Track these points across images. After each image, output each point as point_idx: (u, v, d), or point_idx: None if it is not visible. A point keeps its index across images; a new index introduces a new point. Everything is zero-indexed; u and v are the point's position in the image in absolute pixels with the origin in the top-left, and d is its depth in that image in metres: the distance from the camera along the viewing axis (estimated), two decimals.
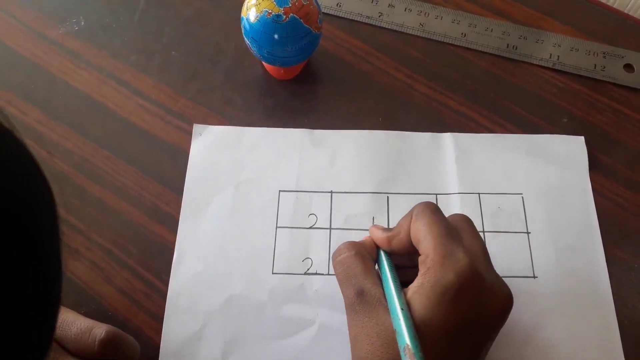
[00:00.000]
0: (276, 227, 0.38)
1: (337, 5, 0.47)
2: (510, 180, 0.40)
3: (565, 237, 0.38)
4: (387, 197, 0.39)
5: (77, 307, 0.35)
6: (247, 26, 0.39)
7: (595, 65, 0.45)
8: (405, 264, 0.32)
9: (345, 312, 0.35)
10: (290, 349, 0.35)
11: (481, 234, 0.38)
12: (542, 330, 0.35)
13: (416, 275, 0.29)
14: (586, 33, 0.47)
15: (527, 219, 0.38)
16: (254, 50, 0.40)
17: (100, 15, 0.47)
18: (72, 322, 0.31)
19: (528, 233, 0.38)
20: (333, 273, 0.37)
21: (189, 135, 0.42)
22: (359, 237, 0.37)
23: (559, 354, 0.34)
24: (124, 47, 0.46)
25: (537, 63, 0.45)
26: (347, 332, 0.35)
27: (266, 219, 0.39)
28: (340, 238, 0.38)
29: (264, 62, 0.43)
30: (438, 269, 0.27)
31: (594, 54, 0.45)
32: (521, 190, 0.40)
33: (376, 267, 0.32)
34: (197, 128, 0.42)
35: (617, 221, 0.39)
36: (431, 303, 0.27)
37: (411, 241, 0.30)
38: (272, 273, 0.37)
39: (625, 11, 0.50)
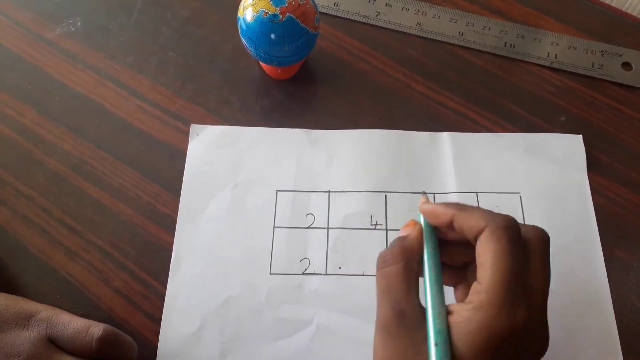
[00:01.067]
0: (274, 227, 0.38)
1: (334, 4, 0.47)
2: (508, 180, 0.40)
3: (563, 236, 0.38)
4: (385, 195, 0.39)
5: (74, 309, 0.35)
6: (244, 26, 0.39)
7: (593, 63, 0.44)
8: (451, 262, 0.29)
9: (343, 312, 0.35)
10: (288, 349, 0.35)
11: None
12: None
13: (459, 261, 0.28)
14: (584, 31, 0.46)
15: (525, 218, 0.38)
16: (250, 50, 0.40)
17: (97, 16, 0.47)
18: (68, 323, 0.31)
19: None
20: (331, 272, 0.37)
21: (186, 135, 0.41)
22: (356, 236, 0.38)
23: (557, 354, 0.34)
24: (121, 48, 0.46)
25: (535, 62, 0.45)
26: (345, 332, 0.35)
27: (264, 219, 0.39)
28: (338, 238, 0.38)
29: (261, 62, 0.43)
30: (492, 313, 0.25)
31: (591, 53, 0.45)
32: (519, 190, 0.40)
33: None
34: (194, 128, 0.42)
35: (615, 220, 0.39)
36: (473, 344, 0.24)
37: (472, 236, 0.27)
38: (270, 273, 0.37)
39: (624, 9, 0.50)
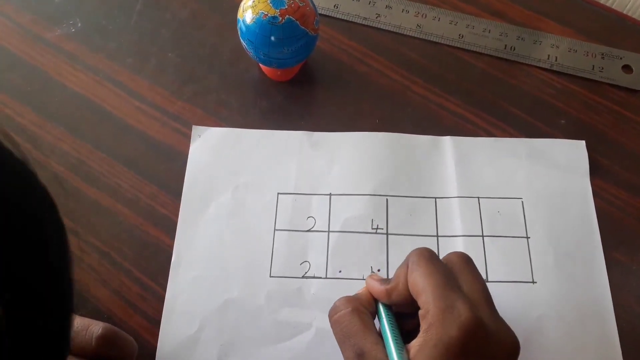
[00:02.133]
0: (274, 230, 0.38)
1: (334, 6, 0.47)
2: (510, 185, 0.40)
3: (565, 242, 0.38)
4: (387, 199, 0.39)
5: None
6: (243, 28, 0.39)
7: (593, 66, 0.44)
8: (407, 311, 0.30)
9: None
10: (287, 352, 0.35)
11: (480, 239, 0.38)
12: (540, 335, 0.35)
13: (419, 324, 0.28)
14: (584, 34, 0.46)
15: (527, 224, 0.38)
16: (250, 52, 0.40)
17: (96, 17, 0.47)
18: None
19: (527, 238, 0.38)
20: (331, 276, 0.37)
21: (184, 137, 0.41)
22: (357, 240, 0.38)
23: (558, 358, 0.34)
24: (120, 49, 0.45)
25: (535, 64, 0.45)
26: None
27: (264, 221, 0.39)
28: (338, 241, 0.38)
29: (260, 64, 0.43)
30: (439, 325, 0.26)
31: (592, 55, 0.45)
32: (521, 195, 0.39)
33: (376, 320, 0.30)
34: (196, 130, 0.42)
35: (615, 223, 0.39)
36: None
37: (410, 292, 0.28)
38: (270, 276, 0.37)
39: (624, 12, 0.50)
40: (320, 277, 0.37)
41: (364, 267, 0.37)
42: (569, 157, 0.41)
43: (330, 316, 0.30)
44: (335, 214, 0.39)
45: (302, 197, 0.39)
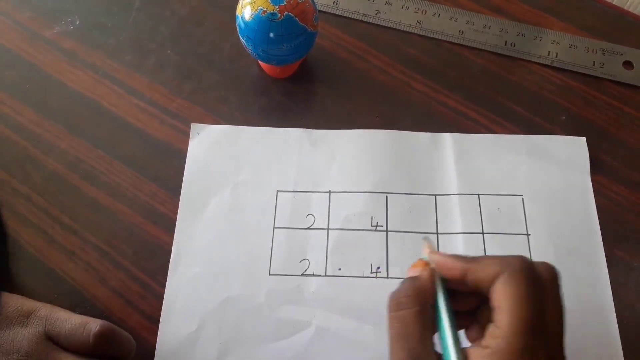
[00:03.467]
0: (274, 228, 0.38)
1: (333, 3, 0.47)
2: (510, 182, 0.40)
3: (566, 239, 0.38)
4: (386, 196, 0.39)
5: (72, 308, 0.34)
6: (242, 24, 0.38)
7: (594, 62, 0.44)
8: (459, 307, 0.28)
9: (342, 314, 0.35)
10: (286, 350, 0.34)
11: (480, 236, 0.38)
12: None
13: (468, 323, 0.27)
14: (585, 30, 0.46)
15: (527, 221, 0.38)
16: (249, 48, 0.40)
17: (95, 14, 0.47)
18: (65, 319, 0.31)
19: (528, 235, 0.38)
20: (330, 274, 0.37)
21: (183, 134, 0.41)
22: (357, 237, 0.37)
23: None
24: (119, 47, 0.45)
25: (536, 60, 0.45)
26: (344, 334, 0.35)
27: (264, 219, 0.38)
28: (338, 239, 0.38)
29: (259, 61, 0.43)
30: (511, 358, 0.24)
31: (592, 51, 0.45)
32: (521, 192, 0.39)
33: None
34: (195, 127, 0.41)
35: (616, 220, 0.39)
36: None
37: (488, 283, 0.26)
38: (269, 274, 0.37)
39: (625, 8, 0.50)
40: (319, 275, 0.37)
41: (363, 265, 0.37)
42: (570, 153, 0.41)
43: (392, 309, 0.27)
44: (334, 212, 0.39)
45: (302, 195, 0.39)
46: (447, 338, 0.26)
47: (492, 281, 0.26)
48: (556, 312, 0.26)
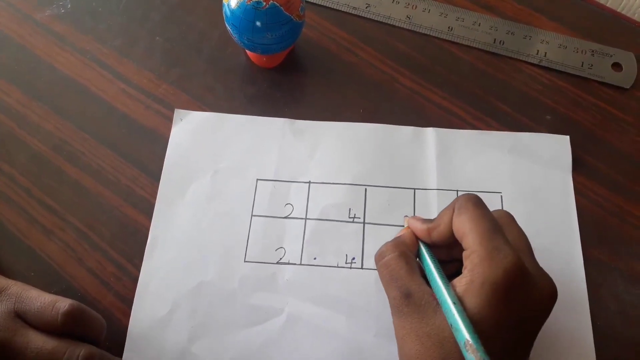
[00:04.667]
0: (252, 216, 0.38)
1: None
2: (490, 178, 0.40)
3: (543, 237, 0.37)
4: (365, 189, 0.39)
5: (48, 287, 0.35)
6: (228, 12, 0.39)
7: (582, 63, 0.44)
8: (443, 257, 0.32)
9: (315, 303, 0.35)
10: (257, 336, 0.35)
11: None
12: None
13: (455, 269, 0.30)
14: (576, 30, 0.46)
15: None
16: (235, 37, 0.40)
17: None
18: (35, 297, 0.31)
19: None
20: (305, 263, 0.37)
21: (168, 120, 0.41)
22: (333, 228, 0.38)
23: (529, 357, 0.34)
24: (109, 32, 0.46)
25: (524, 59, 0.44)
26: (316, 322, 0.35)
27: (242, 206, 0.39)
28: (315, 228, 0.38)
29: (246, 50, 0.43)
30: (486, 265, 0.27)
31: (582, 52, 0.44)
32: (501, 189, 0.39)
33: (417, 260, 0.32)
34: (178, 113, 0.42)
35: (596, 222, 0.38)
36: (482, 302, 0.26)
37: (452, 234, 0.30)
38: (245, 261, 0.37)
39: (619, 10, 0.49)
40: (294, 264, 0.37)
41: (339, 255, 0.37)
42: (553, 152, 0.40)
43: (377, 260, 0.31)
44: (313, 202, 0.39)
45: (281, 184, 0.39)
46: (432, 271, 0.29)
47: (451, 223, 0.30)
48: (518, 235, 0.30)
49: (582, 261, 0.37)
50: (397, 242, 0.32)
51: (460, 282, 0.28)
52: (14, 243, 0.37)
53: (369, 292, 0.36)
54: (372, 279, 0.36)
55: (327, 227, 0.38)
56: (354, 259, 0.37)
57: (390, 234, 0.37)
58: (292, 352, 0.34)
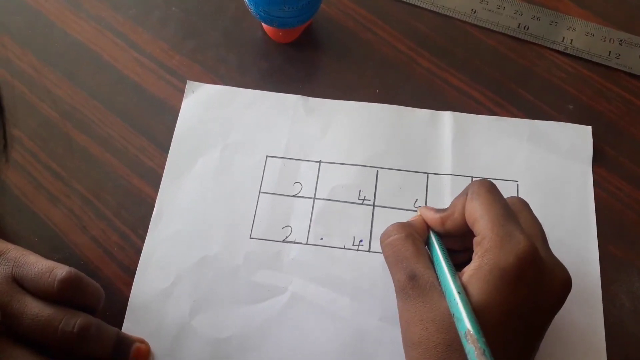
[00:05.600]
0: (259, 192, 0.38)
1: None
2: (507, 166, 0.38)
3: (559, 230, 0.36)
4: (377, 171, 0.38)
5: (50, 254, 0.35)
6: None
7: (609, 52, 0.42)
8: (455, 247, 0.31)
9: (319, 283, 0.34)
10: (259, 314, 0.34)
11: None
12: None
13: (467, 259, 0.28)
14: (604, 18, 0.44)
15: None
16: (251, 8, 0.39)
17: None
18: (33, 263, 0.30)
19: None
20: (312, 243, 0.36)
21: (179, 92, 0.41)
22: (342, 209, 0.37)
23: (540, 348, 0.33)
24: (125, 0, 0.45)
25: (549, 46, 0.43)
26: (319, 303, 0.34)
27: (250, 183, 0.38)
28: (323, 209, 0.37)
29: (262, 23, 0.42)
30: (496, 251, 0.26)
31: (609, 41, 0.43)
32: (517, 178, 0.38)
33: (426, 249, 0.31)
34: (190, 85, 0.41)
35: (614, 216, 0.37)
36: (490, 287, 0.26)
37: (465, 222, 0.29)
38: (250, 238, 0.36)
39: None
40: (300, 243, 0.36)
41: (346, 237, 0.36)
42: (573, 142, 0.39)
43: (383, 240, 0.31)
44: (322, 182, 0.38)
45: (291, 162, 0.38)
46: (439, 260, 0.28)
47: (464, 207, 0.29)
48: (532, 221, 0.29)
49: (598, 256, 0.36)
50: (404, 224, 0.31)
51: (468, 269, 0.27)
52: (20, 208, 0.37)
53: (375, 276, 0.35)
54: (379, 262, 0.35)
55: (335, 207, 0.37)
56: (361, 241, 0.36)
57: (400, 218, 0.36)
58: (293, 332, 0.33)
